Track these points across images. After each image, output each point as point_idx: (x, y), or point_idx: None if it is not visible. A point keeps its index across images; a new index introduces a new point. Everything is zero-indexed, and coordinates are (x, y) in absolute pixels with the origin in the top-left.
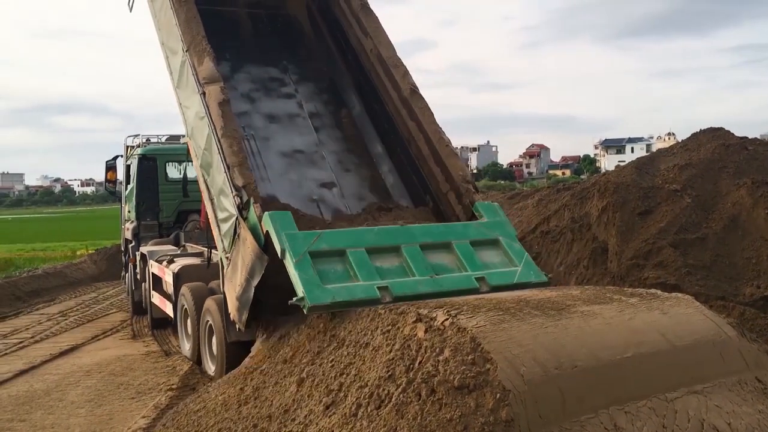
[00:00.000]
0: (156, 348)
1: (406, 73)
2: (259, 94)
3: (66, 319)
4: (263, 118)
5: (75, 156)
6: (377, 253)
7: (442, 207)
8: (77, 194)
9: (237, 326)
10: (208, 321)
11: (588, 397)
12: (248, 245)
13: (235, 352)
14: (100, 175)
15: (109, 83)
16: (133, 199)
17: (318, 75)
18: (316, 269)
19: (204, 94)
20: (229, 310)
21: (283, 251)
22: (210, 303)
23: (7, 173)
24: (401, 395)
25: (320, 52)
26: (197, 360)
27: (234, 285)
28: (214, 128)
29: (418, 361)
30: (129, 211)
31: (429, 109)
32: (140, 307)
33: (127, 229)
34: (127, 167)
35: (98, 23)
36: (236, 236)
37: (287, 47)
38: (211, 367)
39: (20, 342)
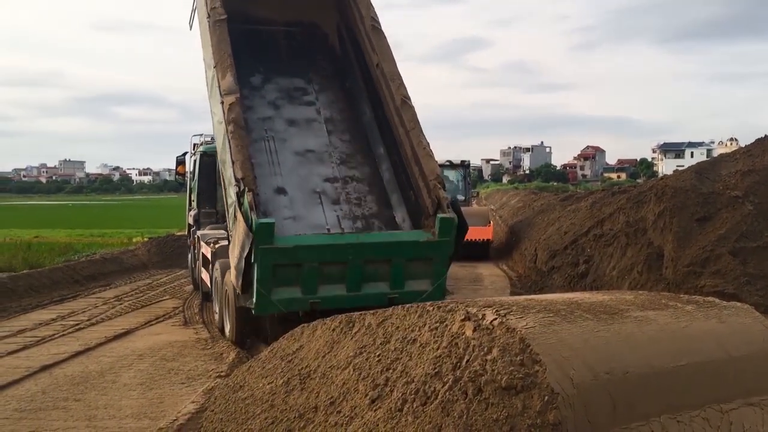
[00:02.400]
0: (206, 335)
1: (401, 85)
2: (284, 102)
3: (121, 304)
4: (284, 122)
5: (133, 145)
6: (328, 264)
7: (419, 200)
8: (135, 183)
9: (236, 290)
10: (226, 290)
11: (639, 404)
12: (240, 226)
13: (242, 316)
14: (157, 165)
15: (166, 75)
16: (196, 189)
17: (338, 85)
18: (275, 276)
19: (222, 102)
20: (231, 277)
21: (253, 264)
22: (228, 276)
23: (69, 161)
24: (447, 393)
25: (343, 66)
26: (222, 326)
27: (233, 257)
28: (227, 130)
29: (465, 360)
30: (192, 200)
31: (415, 116)
32: (197, 283)
33: (190, 215)
34: (193, 162)
35: (156, 16)
36: (235, 218)
37: (315, 61)
38: (227, 329)
39: (77, 324)
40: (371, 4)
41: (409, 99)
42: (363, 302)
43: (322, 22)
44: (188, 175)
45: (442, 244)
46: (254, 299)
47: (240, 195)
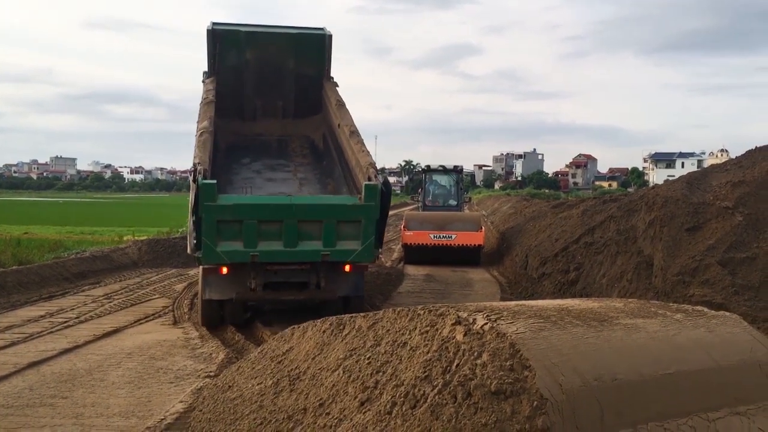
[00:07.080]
0: (195, 334)
1: (352, 125)
2: (267, 170)
3: (110, 302)
4: (264, 180)
5: (125, 144)
6: (266, 222)
7: (356, 182)
8: (126, 181)
9: (190, 251)
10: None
11: (627, 411)
12: (192, 189)
13: (207, 308)
14: (149, 164)
15: (159, 74)
16: None
17: (316, 162)
18: (219, 229)
19: (197, 133)
20: (188, 245)
21: (200, 218)
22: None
23: (60, 157)
24: (437, 396)
25: (324, 153)
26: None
27: (188, 222)
28: (196, 143)
29: (455, 364)
30: None
31: (361, 140)
32: None
33: None
34: None
35: (148, 14)
36: (191, 189)
37: (300, 152)
38: (198, 315)
39: (65, 321)
40: (337, 91)
41: (357, 131)
42: (298, 258)
43: (311, 134)
44: None
45: (367, 207)
46: (201, 252)
47: (194, 172)
